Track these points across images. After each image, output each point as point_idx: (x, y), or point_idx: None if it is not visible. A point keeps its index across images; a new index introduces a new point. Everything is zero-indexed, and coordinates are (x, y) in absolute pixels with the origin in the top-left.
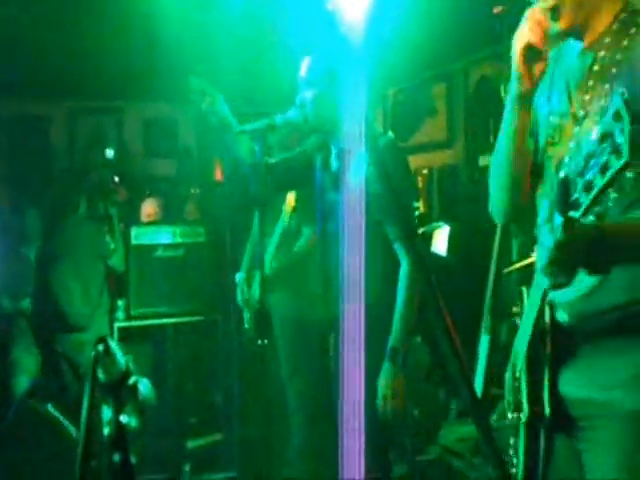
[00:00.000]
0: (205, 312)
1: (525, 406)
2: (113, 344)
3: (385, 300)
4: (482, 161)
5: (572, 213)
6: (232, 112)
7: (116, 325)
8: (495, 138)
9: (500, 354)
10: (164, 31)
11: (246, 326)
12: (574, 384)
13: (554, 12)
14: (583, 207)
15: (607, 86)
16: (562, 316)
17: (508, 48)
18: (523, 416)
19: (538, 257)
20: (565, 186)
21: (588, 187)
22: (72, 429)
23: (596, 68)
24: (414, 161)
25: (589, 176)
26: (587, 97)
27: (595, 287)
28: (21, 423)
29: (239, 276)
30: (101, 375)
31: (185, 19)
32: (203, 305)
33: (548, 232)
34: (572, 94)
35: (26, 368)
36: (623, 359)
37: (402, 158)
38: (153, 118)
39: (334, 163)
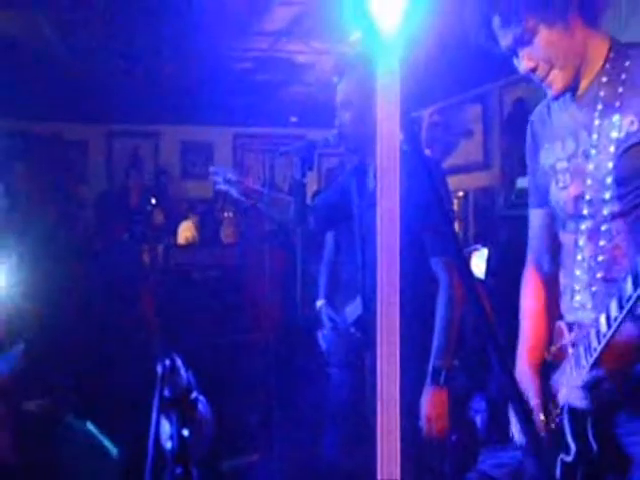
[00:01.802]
0: (242, 332)
1: (571, 444)
2: (178, 360)
3: (420, 319)
4: (519, 183)
5: None
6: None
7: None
8: None
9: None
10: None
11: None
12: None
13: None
14: None
15: (615, 118)
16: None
17: None
18: (568, 456)
19: None
20: None
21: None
22: (111, 447)
23: (600, 107)
24: (449, 183)
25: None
26: (595, 135)
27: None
28: (60, 440)
29: (320, 302)
30: (166, 391)
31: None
32: (240, 325)
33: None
34: (579, 136)
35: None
36: None
37: (442, 176)
38: (189, 141)
39: (371, 183)
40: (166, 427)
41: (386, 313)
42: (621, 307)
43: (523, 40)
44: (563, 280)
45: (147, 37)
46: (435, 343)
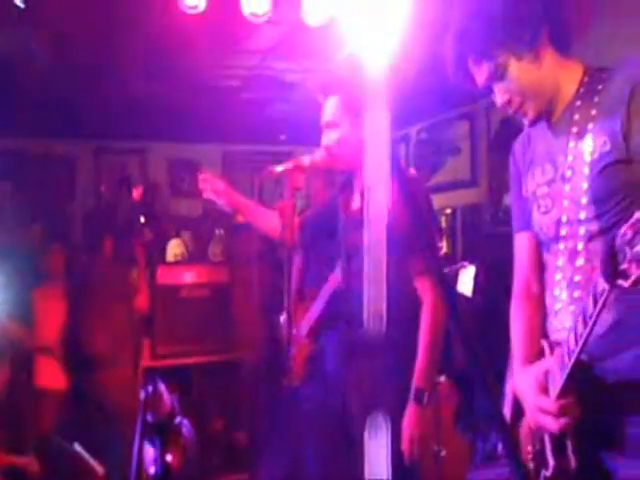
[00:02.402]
0: (230, 352)
1: (550, 459)
2: (160, 385)
3: (407, 337)
4: (506, 200)
5: (620, 282)
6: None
7: (141, 364)
8: None
9: None
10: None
11: None
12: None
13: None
14: (632, 278)
15: (589, 139)
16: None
17: None
18: (547, 470)
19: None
20: (613, 254)
21: (638, 259)
22: (98, 467)
23: (574, 130)
24: (437, 200)
25: (639, 247)
26: (570, 157)
27: (611, 327)
28: (47, 461)
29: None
30: (149, 415)
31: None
32: (228, 345)
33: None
34: (556, 161)
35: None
36: None
37: (425, 195)
38: (177, 158)
39: (357, 202)
40: (150, 452)
41: (373, 329)
42: (585, 324)
43: (496, 75)
44: (547, 301)
45: (133, 53)
46: (418, 364)
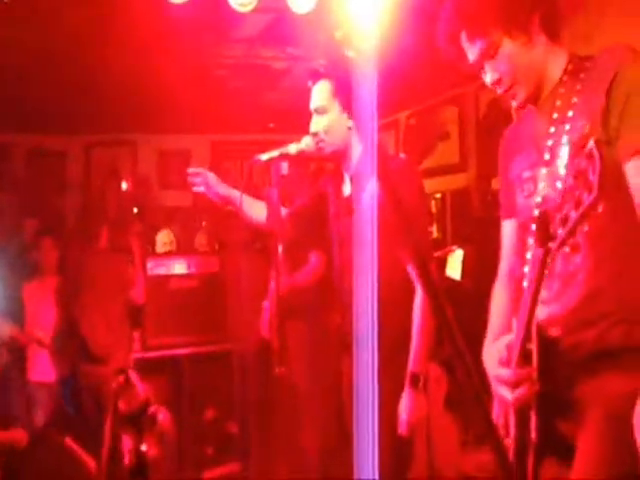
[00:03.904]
0: (220, 342)
1: (512, 430)
2: (133, 375)
3: (402, 324)
4: (495, 184)
5: (550, 244)
6: None
7: (132, 356)
8: None
9: None
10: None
11: None
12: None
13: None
14: (558, 240)
15: (567, 127)
16: (552, 331)
17: None
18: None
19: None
20: (544, 219)
21: (564, 220)
22: (90, 460)
23: (555, 116)
24: (427, 185)
25: (565, 210)
26: (550, 142)
27: (584, 299)
28: (39, 455)
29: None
30: (122, 406)
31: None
32: (218, 335)
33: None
34: (539, 144)
35: (43, 400)
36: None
37: (416, 181)
38: (167, 150)
39: (346, 189)
40: (127, 442)
41: (365, 318)
42: (529, 293)
43: (489, 53)
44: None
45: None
46: (412, 349)
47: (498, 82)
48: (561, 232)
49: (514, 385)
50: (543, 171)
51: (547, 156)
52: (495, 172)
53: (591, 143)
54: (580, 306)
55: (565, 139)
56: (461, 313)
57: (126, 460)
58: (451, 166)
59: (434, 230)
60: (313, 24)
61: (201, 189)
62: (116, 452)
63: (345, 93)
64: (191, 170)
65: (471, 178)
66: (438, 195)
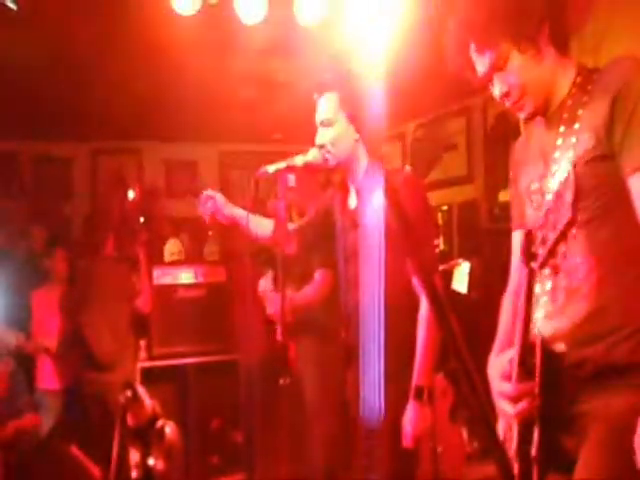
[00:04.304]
0: (226, 352)
1: (514, 444)
2: (140, 389)
3: (408, 336)
4: (502, 196)
5: (532, 264)
6: None
7: (138, 365)
8: None
9: None
10: (183, 72)
11: None
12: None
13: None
14: (539, 260)
15: (573, 139)
16: (558, 346)
17: None
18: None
19: None
20: (529, 239)
21: (544, 241)
22: (95, 468)
23: (562, 129)
24: (433, 197)
25: (545, 230)
26: (557, 154)
27: (589, 314)
28: (45, 462)
29: None
30: (130, 420)
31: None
32: (224, 345)
33: None
34: (546, 156)
35: (50, 407)
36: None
37: (421, 194)
38: (174, 159)
39: (352, 202)
40: (135, 456)
41: (370, 331)
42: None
43: (498, 65)
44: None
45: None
46: (417, 362)
47: (507, 94)
48: (541, 252)
49: (515, 400)
50: (552, 183)
51: (554, 168)
52: (502, 184)
53: (569, 167)
54: (586, 321)
55: (571, 153)
56: (467, 326)
57: (134, 474)
58: (458, 178)
59: (441, 242)
60: (320, 37)
61: (209, 212)
62: (124, 466)
63: (351, 105)
64: (204, 194)
65: (478, 190)
66: (445, 207)
